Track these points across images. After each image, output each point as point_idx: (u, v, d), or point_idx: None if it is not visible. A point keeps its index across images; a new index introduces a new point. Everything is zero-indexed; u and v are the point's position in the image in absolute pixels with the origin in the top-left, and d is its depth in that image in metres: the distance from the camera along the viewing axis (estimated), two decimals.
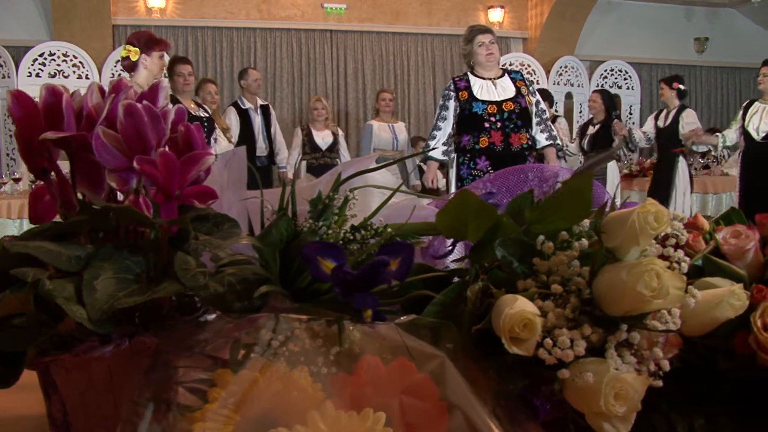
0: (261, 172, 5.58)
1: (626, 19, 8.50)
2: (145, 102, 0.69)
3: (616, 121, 6.04)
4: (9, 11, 6.74)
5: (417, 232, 0.77)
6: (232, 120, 5.81)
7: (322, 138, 6.22)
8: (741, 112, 5.55)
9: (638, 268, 0.60)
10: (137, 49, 3.72)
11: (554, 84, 7.96)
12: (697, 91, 9.01)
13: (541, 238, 0.68)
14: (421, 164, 4.44)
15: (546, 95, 6.59)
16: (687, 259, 0.71)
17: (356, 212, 0.86)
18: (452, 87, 4.14)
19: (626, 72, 8.35)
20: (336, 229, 0.76)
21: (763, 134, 5.34)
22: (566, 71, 8.06)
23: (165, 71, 4.86)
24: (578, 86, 8.19)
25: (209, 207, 0.76)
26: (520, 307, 0.61)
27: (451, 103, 4.10)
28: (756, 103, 5.53)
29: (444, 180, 5.23)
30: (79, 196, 0.74)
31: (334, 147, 6.26)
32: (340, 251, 0.60)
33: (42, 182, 0.74)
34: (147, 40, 3.72)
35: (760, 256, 0.73)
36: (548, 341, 0.60)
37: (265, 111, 6.03)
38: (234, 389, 0.60)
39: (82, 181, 0.72)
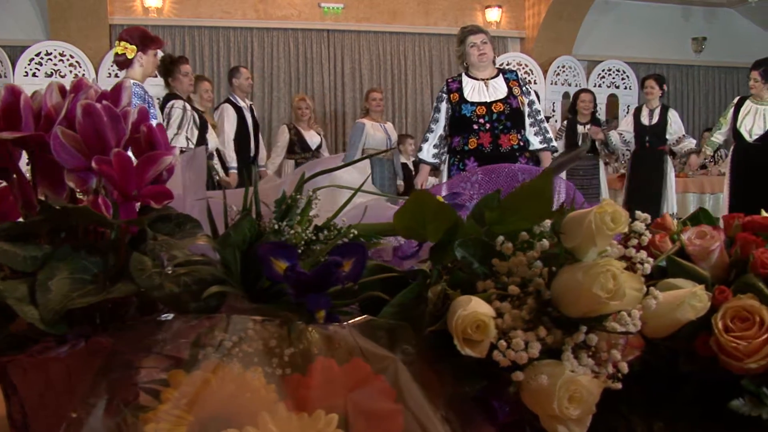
0: (250, 173, 5.53)
1: (624, 19, 8.49)
2: (104, 102, 0.69)
3: (591, 126, 6.07)
4: (6, 11, 6.74)
5: (381, 233, 0.77)
6: (230, 117, 5.69)
7: (311, 137, 6.21)
8: (731, 111, 5.53)
9: (594, 269, 0.60)
10: (134, 47, 3.70)
11: (551, 84, 7.95)
12: (695, 91, 9.00)
13: (501, 238, 0.68)
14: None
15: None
16: (650, 260, 0.70)
17: (327, 213, 0.86)
18: (445, 89, 4.16)
19: (624, 72, 8.35)
20: (298, 229, 0.75)
21: (756, 137, 5.33)
22: (564, 71, 8.06)
23: (158, 70, 4.86)
24: (576, 86, 8.16)
25: (171, 207, 0.76)
26: (473, 308, 0.61)
27: (443, 106, 4.11)
28: (747, 101, 5.50)
29: (437, 181, 5.22)
30: (42, 196, 0.74)
31: (320, 147, 6.26)
32: (293, 251, 0.60)
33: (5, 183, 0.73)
34: (143, 37, 3.70)
35: (726, 256, 0.73)
36: (502, 343, 0.60)
37: (251, 111, 5.98)
38: (186, 390, 0.59)
39: (42, 181, 0.72)
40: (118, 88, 0.74)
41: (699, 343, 0.67)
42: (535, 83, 7.87)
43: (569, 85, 8.12)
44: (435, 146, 4.16)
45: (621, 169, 6.47)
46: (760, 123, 5.35)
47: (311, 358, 0.61)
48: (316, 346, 0.65)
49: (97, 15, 6.79)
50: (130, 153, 0.71)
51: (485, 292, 0.67)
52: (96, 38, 6.88)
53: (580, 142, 6.11)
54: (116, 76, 6.87)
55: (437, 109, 4.16)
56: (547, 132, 4.22)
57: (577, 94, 6.44)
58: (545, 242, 0.67)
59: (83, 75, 6.75)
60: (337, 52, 7.70)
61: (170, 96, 4.66)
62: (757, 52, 8.50)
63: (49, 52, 6.65)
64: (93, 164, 0.66)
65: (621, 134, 6.02)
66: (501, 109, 4.01)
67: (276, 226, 0.74)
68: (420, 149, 4.24)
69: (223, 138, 5.56)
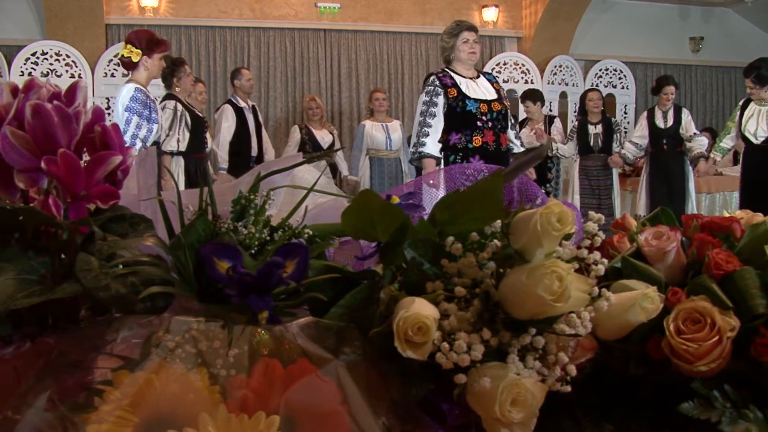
0: None
1: (621, 19, 8.48)
2: (55, 102, 0.68)
3: (611, 157, 6.03)
4: (2, 10, 6.73)
5: (337, 233, 0.76)
6: (229, 118, 5.73)
7: (322, 137, 6.22)
8: (738, 113, 5.52)
9: (539, 270, 0.59)
10: (139, 51, 3.71)
11: (548, 83, 7.94)
12: (693, 91, 8.98)
13: (450, 239, 0.67)
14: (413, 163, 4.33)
15: (537, 96, 6.56)
16: (605, 261, 0.70)
17: (286, 213, 0.85)
18: (437, 83, 4.01)
19: (621, 71, 8.33)
20: (252, 229, 0.75)
21: (762, 138, 5.33)
22: (561, 71, 8.04)
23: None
24: (573, 86, 8.17)
25: (126, 207, 0.76)
26: (415, 309, 0.60)
27: (440, 100, 3.99)
28: (751, 104, 5.50)
29: None
30: None
31: (332, 146, 6.27)
32: (236, 252, 0.59)
33: None
34: (148, 41, 3.72)
35: (683, 257, 0.72)
36: (445, 345, 0.60)
37: (254, 111, 6.01)
38: (127, 390, 0.59)
39: None
40: (72, 88, 0.74)
41: (651, 345, 0.66)
42: (532, 83, 7.87)
43: (566, 84, 8.12)
44: (438, 141, 4.04)
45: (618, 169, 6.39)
46: (764, 125, 5.35)
47: (255, 360, 0.61)
48: (262, 348, 0.64)
49: (93, 15, 6.78)
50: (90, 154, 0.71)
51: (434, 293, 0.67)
52: (92, 38, 6.88)
53: (591, 143, 6.04)
54: (113, 75, 6.88)
55: (433, 104, 4.00)
56: (520, 137, 4.33)
57: (585, 94, 6.37)
58: (496, 243, 0.67)
59: (79, 75, 6.76)
60: (334, 52, 7.69)
61: (166, 96, 4.67)
62: (754, 52, 8.48)
63: (45, 51, 6.64)
64: (42, 165, 0.65)
65: (636, 143, 5.98)
66: (499, 109, 4.02)
67: (231, 227, 0.74)
68: (423, 144, 4.04)
69: (218, 139, 5.60)
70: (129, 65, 3.83)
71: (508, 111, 4.10)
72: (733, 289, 0.66)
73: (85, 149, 0.74)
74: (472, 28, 4.13)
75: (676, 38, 8.61)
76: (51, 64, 6.66)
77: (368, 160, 6.09)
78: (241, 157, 5.69)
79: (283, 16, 7.53)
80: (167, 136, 4.43)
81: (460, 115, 3.96)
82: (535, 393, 0.58)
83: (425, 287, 0.67)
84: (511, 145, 4.18)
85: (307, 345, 0.58)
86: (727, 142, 5.61)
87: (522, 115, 7.86)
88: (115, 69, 6.82)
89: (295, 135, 6.30)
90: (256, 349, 0.64)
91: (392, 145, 6.18)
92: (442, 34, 4.14)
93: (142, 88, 3.72)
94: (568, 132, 6.29)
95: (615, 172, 6.14)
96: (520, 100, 6.78)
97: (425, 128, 4.06)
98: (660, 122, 5.88)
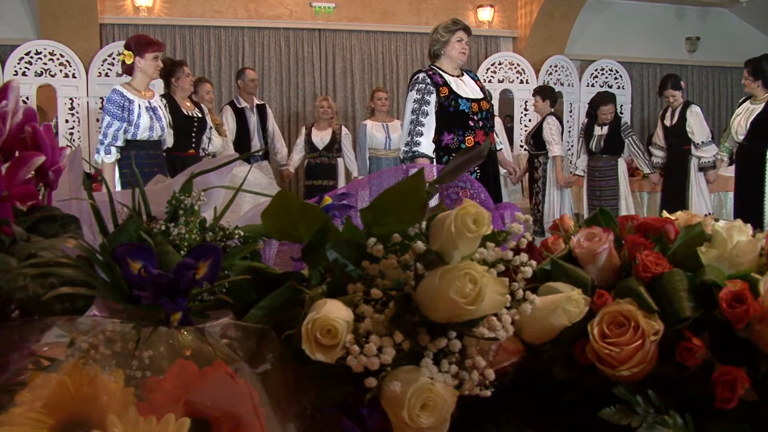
0: None
1: (617, 19, 8.47)
2: None
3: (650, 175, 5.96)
4: None
5: (268, 234, 0.76)
6: (228, 119, 5.89)
7: (320, 138, 6.25)
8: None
9: (451, 273, 0.59)
10: (131, 52, 3.81)
11: (544, 83, 7.92)
12: (689, 91, 8.96)
13: (372, 240, 0.67)
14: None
15: (547, 93, 6.43)
16: (533, 263, 0.69)
17: (232, 213, 0.85)
18: (429, 81, 3.89)
19: (617, 71, 8.32)
20: (182, 230, 0.74)
21: (741, 137, 5.33)
22: (556, 71, 8.03)
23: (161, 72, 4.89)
24: (568, 86, 8.16)
25: (57, 208, 0.75)
26: (325, 311, 0.60)
27: (432, 98, 3.88)
28: (746, 103, 5.50)
29: None
30: None
31: (332, 146, 6.28)
32: (150, 253, 0.59)
33: None
34: (138, 42, 3.85)
35: (616, 259, 0.71)
36: (355, 348, 0.59)
37: (261, 110, 6.08)
38: (39, 392, 0.58)
39: None
40: (4, 89, 0.73)
41: (577, 349, 0.66)
42: (527, 83, 7.86)
43: (561, 84, 8.10)
44: (433, 140, 3.93)
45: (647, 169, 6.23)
46: (743, 123, 5.35)
47: (170, 361, 0.60)
48: (185, 349, 0.64)
49: (88, 14, 6.78)
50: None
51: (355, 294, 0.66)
52: (86, 37, 6.88)
53: (594, 145, 5.94)
54: (107, 75, 6.87)
55: (425, 102, 3.89)
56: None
57: (599, 105, 6.02)
58: (420, 245, 0.66)
59: (73, 74, 6.76)
60: (329, 52, 7.69)
61: (162, 96, 4.69)
62: (750, 52, 8.45)
63: (39, 51, 6.64)
64: None
65: (659, 146, 5.93)
66: (487, 108, 4.00)
67: (162, 228, 0.74)
68: (417, 143, 3.91)
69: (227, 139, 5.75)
70: (127, 70, 3.98)
71: (493, 109, 4.11)
72: (661, 292, 0.66)
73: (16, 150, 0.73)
74: (468, 30, 4.10)
75: (672, 38, 8.60)
76: (45, 63, 6.66)
77: (367, 160, 6.11)
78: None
79: (278, 16, 7.53)
80: None
81: (453, 115, 3.88)
82: (446, 398, 0.58)
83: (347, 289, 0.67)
84: (498, 145, 4.20)
85: (218, 346, 0.58)
86: (730, 142, 5.60)
87: (518, 110, 7.88)
88: (109, 69, 6.82)
89: (301, 135, 6.40)
90: (178, 351, 0.63)
91: (391, 145, 6.18)
92: (436, 26, 4.06)
93: (119, 89, 3.84)
94: (579, 146, 6.19)
95: (621, 174, 5.98)
96: (532, 94, 6.66)
97: (419, 127, 3.94)
98: (668, 120, 5.81)
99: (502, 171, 6.33)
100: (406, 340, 0.59)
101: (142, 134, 3.72)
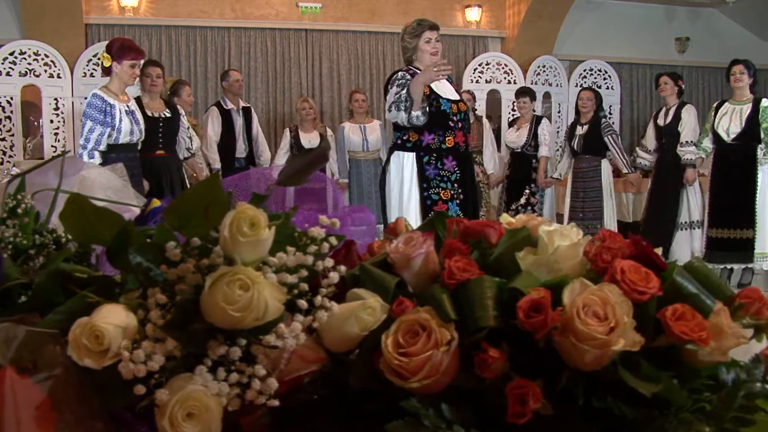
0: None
1: (606, 19, 8.43)
2: None
3: (630, 174, 5.87)
4: None
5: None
6: (215, 120, 5.83)
7: (309, 140, 6.22)
8: (713, 114, 5.47)
9: (221, 279, 0.56)
10: (109, 55, 3.83)
11: (532, 84, 7.87)
12: None
13: (172, 243, 0.64)
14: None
15: (532, 93, 6.44)
16: (342, 268, 0.67)
17: None
18: (408, 77, 3.81)
19: (606, 72, 8.28)
20: (7, 233, 0.72)
21: (734, 135, 5.27)
22: (544, 71, 7.99)
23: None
24: (557, 86, 8.12)
25: None
26: (97, 317, 0.57)
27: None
28: (726, 104, 5.46)
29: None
30: None
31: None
32: None
33: None
34: (119, 47, 3.87)
35: (435, 265, 0.69)
36: (125, 354, 0.57)
37: (246, 113, 6.04)
38: None
39: None
40: None
41: (376, 359, 0.63)
42: (515, 83, 7.82)
43: (550, 85, 8.07)
44: (413, 140, 3.81)
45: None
46: (737, 122, 5.29)
47: None
48: None
49: (72, 14, 6.77)
50: None
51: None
52: (71, 37, 6.86)
53: (575, 145, 5.89)
54: (92, 75, 6.85)
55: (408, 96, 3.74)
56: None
57: (579, 93, 6.14)
58: (218, 249, 0.64)
59: (58, 74, 6.75)
60: (315, 52, 7.67)
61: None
62: (740, 53, 8.40)
63: (23, 51, 6.63)
64: None
65: (646, 148, 5.85)
66: (465, 109, 3.98)
67: None
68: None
69: (205, 141, 5.73)
70: (105, 71, 4.00)
71: (468, 112, 4.07)
72: (466, 299, 0.63)
73: None
74: (434, 27, 4.03)
75: (661, 39, 8.55)
76: (29, 63, 6.65)
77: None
78: (226, 158, 5.78)
79: (264, 16, 7.51)
80: None
81: (434, 115, 3.81)
82: (211, 407, 0.55)
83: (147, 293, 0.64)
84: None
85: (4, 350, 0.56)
86: (708, 143, 5.52)
87: (505, 111, 7.84)
88: (94, 69, 6.80)
89: (286, 137, 6.33)
90: None
91: (369, 147, 6.16)
92: (402, 33, 4.02)
93: (100, 94, 3.84)
94: (561, 146, 6.16)
95: (604, 175, 5.91)
96: (515, 96, 6.65)
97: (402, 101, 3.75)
98: (661, 119, 5.70)
99: (490, 170, 6.33)
100: (181, 346, 0.57)
101: (125, 138, 3.79)
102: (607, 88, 8.25)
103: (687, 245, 5.64)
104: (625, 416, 0.62)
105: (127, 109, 3.91)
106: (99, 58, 4.09)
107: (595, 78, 8.27)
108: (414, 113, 3.74)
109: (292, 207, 0.81)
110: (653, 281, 0.66)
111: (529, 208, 6.24)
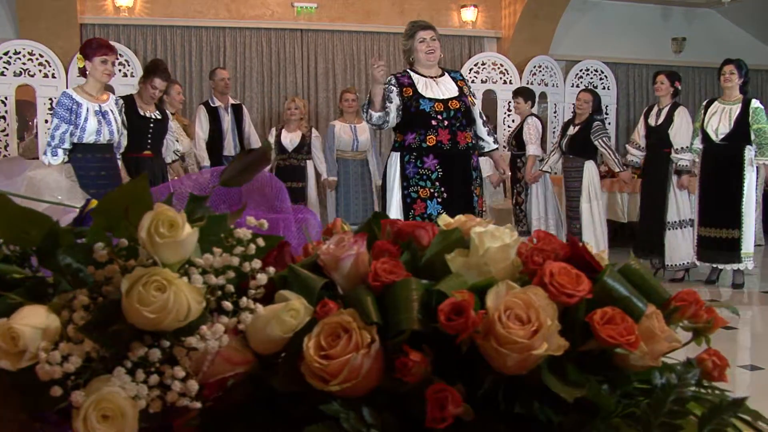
0: None
1: (603, 19, 8.42)
2: None
3: (620, 172, 5.86)
4: None
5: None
6: (202, 118, 5.89)
7: (290, 140, 6.24)
8: (702, 113, 5.48)
9: (137, 280, 0.56)
10: (81, 56, 3.86)
11: (528, 84, 7.87)
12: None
13: (99, 245, 0.64)
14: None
15: (528, 94, 6.47)
16: (271, 270, 0.67)
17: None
18: (394, 82, 3.90)
19: (602, 72, 8.27)
20: None
21: (722, 135, 5.28)
22: (540, 71, 7.98)
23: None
24: (553, 86, 8.11)
25: None
26: (16, 318, 0.57)
27: (394, 96, 3.86)
28: (715, 103, 5.46)
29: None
30: None
31: (301, 148, 6.29)
32: None
33: None
34: (86, 45, 3.89)
35: (366, 267, 0.68)
36: (42, 355, 0.56)
37: (236, 110, 6.06)
38: None
39: None
40: None
41: (300, 361, 0.63)
42: (510, 83, 7.82)
43: (546, 85, 8.06)
44: (397, 140, 3.91)
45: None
46: (726, 122, 5.30)
47: None
48: None
49: (67, 14, 6.78)
50: None
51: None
52: (66, 38, 6.87)
53: (564, 145, 5.88)
54: (86, 76, 6.85)
55: (389, 90, 3.86)
56: (494, 133, 4.23)
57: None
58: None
59: (53, 74, 6.75)
60: (311, 52, 7.66)
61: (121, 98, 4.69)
62: (737, 53, 8.39)
63: (18, 51, 6.63)
64: None
65: (637, 145, 5.82)
66: (457, 107, 3.96)
67: None
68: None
69: (195, 139, 5.79)
70: (81, 73, 4.03)
71: (472, 109, 4.02)
72: (391, 302, 0.63)
73: None
74: (428, 27, 4.06)
75: (658, 39, 8.54)
76: (24, 63, 6.66)
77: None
78: (214, 156, 5.83)
79: (260, 16, 7.51)
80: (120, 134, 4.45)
81: (415, 115, 3.87)
82: (125, 409, 0.55)
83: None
84: (482, 143, 4.08)
85: None
86: (698, 143, 5.51)
87: (501, 111, 7.84)
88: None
89: (272, 136, 6.37)
90: None
91: (359, 147, 6.16)
92: (401, 37, 4.09)
93: (69, 92, 3.89)
94: (555, 143, 6.16)
95: (586, 176, 5.80)
96: (513, 95, 6.67)
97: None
98: (652, 119, 5.66)
99: (488, 171, 6.31)
100: (99, 348, 0.57)
101: (89, 138, 3.77)
102: (604, 88, 8.24)
103: (681, 244, 5.63)
104: (552, 421, 0.62)
105: (98, 109, 3.89)
106: (78, 62, 4.10)
107: (591, 78, 8.26)
108: (375, 114, 3.82)
109: (237, 208, 0.81)
110: (583, 284, 0.65)
111: (518, 207, 6.26)
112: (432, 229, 0.69)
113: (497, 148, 4.21)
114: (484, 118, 4.17)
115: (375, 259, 0.66)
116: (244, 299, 0.62)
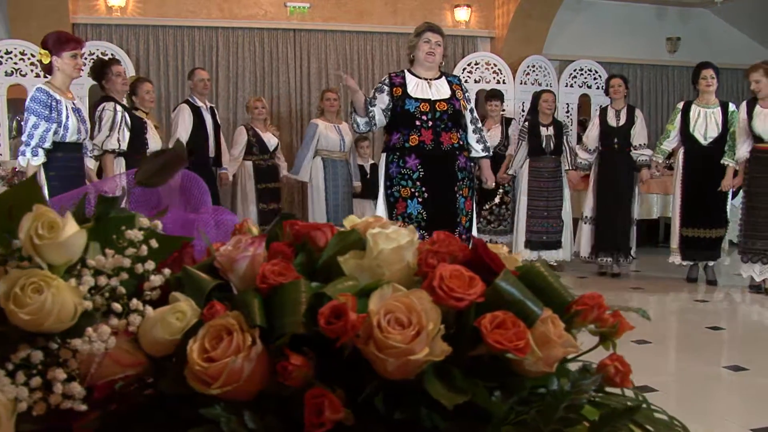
0: (207, 175, 5.47)
1: (596, 19, 8.41)
2: None
3: (569, 170, 6.03)
4: None
5: None
6: (186, 117, 5.68)
7: (268, 139, 6.23)
8: (678, 116, 5.59)
9: (13, 283, 0.56)
10: (47, 51, 3.72)
11: (521, 84, 7.88)
12: (669, 91, 8.91)
13: None
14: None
15: (497, 94, 6.56)
16: (166, 271, 0.67)
17: None
18: (387, 81, 4.01)
19: (596, 72, 8.25)
20: None
21: (710, 139, 5.41)
22: (533, 71, 7.97)
23: (91, 72, 4.88)
24: (546, 86, 8.08)
25: None
26: None
27: (383, 96, 3.96)
28: (693, 106, 5.56)
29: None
30: None
31: (277, 148, 6.30)
32: None
33: None
34: (55, 41, 3.73)
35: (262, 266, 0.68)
36: None
37: (212, 113, 5.94)
38: None
39: None
40: None
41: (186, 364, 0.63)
42: (504, 83, 7.81)
43: (539, 84, 8.04)
44: (385, 140, 4.00)
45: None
46: (713, 126, 5.44)
47: None
48: None
49: (59, 14, 6.78)
50: None
51: None
52: None
53: (544, 144, 5.98)
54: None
55: (379, 90, 3.98)
56: (487, 141, 4.25)
57: (539, 94, 6.28)
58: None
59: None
60: (303, 52, 7.66)
61: (103, 98, 4.66)
62: (731, 53, 8.41)
63: (9, 50, 6.64)
64: None
65: (587, 149, 5.96)
66: (444, 108, 3.97)
67: None
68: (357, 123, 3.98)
69: (175, 138, 5.57)
70: (46, 69, 3.86)
71: (463, 112, 4.02)
72: (278, 304, 0.63)
73: None
74: (437, 30, 4.09)
75: (652, 38, 8.53)
76: (15, 63, 6.66)
77: (320, 162, 6.02)
78: (198, 157, 5.67)
79: (252, 16, 7.51)
80: (107, 136, 4.43)
81: (400, 115, 3.93)
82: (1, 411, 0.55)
83: None
84: (457, 143, 4.05)
85: None
86: (667, 145, 5.72)
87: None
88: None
89: (243, 136, 6.22)
90: None
91: (345, 147, 6.16)
92: (412, 33, 4.16)
93: (45, 88, 3.73)
94: (519, 134, 6.21)
95: (565, 174, 6.07)
96: (485, 100, 6.76)
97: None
98: (612, 120, 5.86)
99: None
100: None
101: (72, 136, 3.65)
102: (597, 88, 8.22)
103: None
104: (437, 428, 0.62)
105: (73, 106, 3.78)
106: (39, 57, 3.90)
107: (585, 78, 8.24)
108: (360, 120, 3.94)
109: (157, 209, 0.81)
110: (476, 287, 0.65)
111: (503, 207, 6.26)
112: (331, 230, 0.70)
113: (486, 156, 4.22)
114: (479, 125, 4.17)
115: (268, 260, 0.67)
116: (135, 301, 0.63)
